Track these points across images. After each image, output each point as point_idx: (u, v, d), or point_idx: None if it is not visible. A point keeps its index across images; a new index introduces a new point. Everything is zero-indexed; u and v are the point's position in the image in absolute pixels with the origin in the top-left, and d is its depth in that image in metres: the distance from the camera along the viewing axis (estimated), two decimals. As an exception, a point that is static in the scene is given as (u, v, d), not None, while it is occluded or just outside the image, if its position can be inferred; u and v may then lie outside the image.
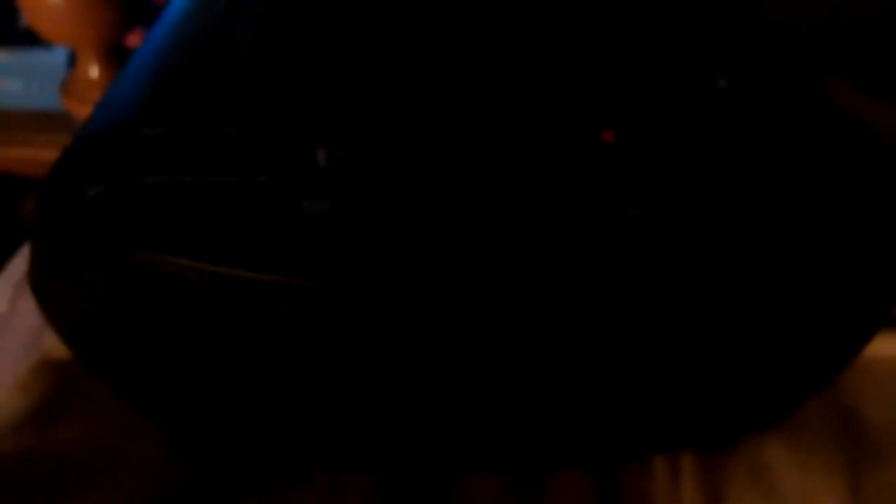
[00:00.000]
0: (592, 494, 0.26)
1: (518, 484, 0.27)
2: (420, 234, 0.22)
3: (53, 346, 0.28)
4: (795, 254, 0.23)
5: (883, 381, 0.27)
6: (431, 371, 0.23)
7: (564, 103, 0.24)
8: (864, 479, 0.26)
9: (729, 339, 0.23)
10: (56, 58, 0.65)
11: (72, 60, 0.67)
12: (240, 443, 0.27)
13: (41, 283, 0.24)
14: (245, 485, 0.26)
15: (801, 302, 0.23)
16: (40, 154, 0.66)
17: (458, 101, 0.24)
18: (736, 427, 0.27)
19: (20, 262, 0.36)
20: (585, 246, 0.22)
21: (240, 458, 0.27)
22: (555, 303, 0.22)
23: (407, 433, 0.25)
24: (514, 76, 0.25)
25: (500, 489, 0.27)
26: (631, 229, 0.22)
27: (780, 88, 0.27)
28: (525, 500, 0.26)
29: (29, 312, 0.33)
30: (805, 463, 0.26)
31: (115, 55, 0.45)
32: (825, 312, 0.24)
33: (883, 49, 0.42)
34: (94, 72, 0.44)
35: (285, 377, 0.24)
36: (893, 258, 0.24)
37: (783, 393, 0.26)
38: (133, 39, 0.47)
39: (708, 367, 0.24)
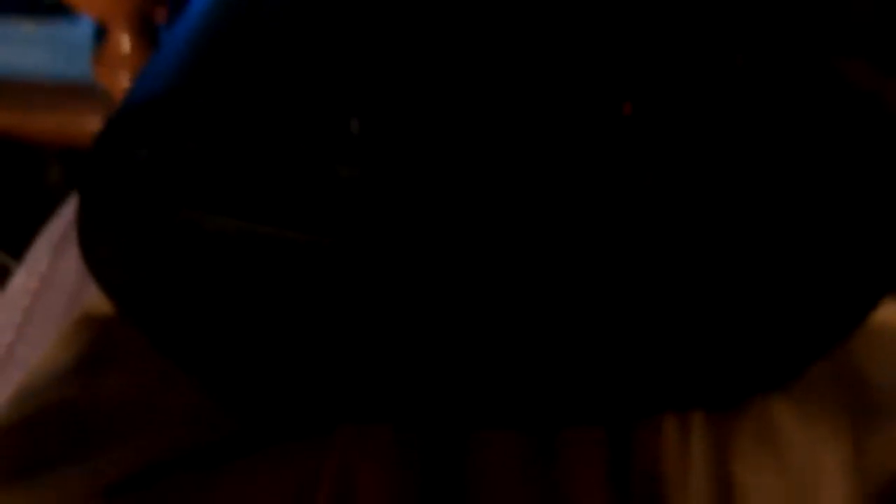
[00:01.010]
0: (605, 451, 0.28)
1: (533, 442, 0.28)
2: (444, 201, 0.23)
3: (94, 302, 0.30)
4: (806, 221, 0.24)
5: (889, 345, 0.28)
6: (452, 325, 0.24)
7: (584, 76, 0.25)
8: (869, 439, 0.26)
9: (740, 301, 0.24)
10: (82, 29, 0.66)
11: (99, 33, 0.68)
12: (269, 395, 0.28)
13: (90, 241, 0.25)
14: (272, 438, 0.28)
15: (810, 268, 0.24)
16: (66, 124, 0.67)
17: (482, 73, 0.25)
18: (745, 388, 0.28)
19: (57, 224, 0.37)
20: (604, 211, 0.23)
21: (269, 412, 0.28)
22: (573, 264, 0.23)
23: (426, 385, 0.26)
24: (536, 51, 0.26)
25: (516, 447, 0.28)
26: (648, 197, 0.23)
27: (795, 66, 0.27)
28: (540, 460, 0.28)
29: (69, 272, 0.34)
30: (811, 423, 0.27)
31: (145, 29, 0.46)
32: (834, 279, 0.25)
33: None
34: (125, 44, 0.45)
35: (315, 329, 0.25)
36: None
37: (791, 355, 0.27)
38: (160, 15, 0.48)
39: (718, 328, 0.25)
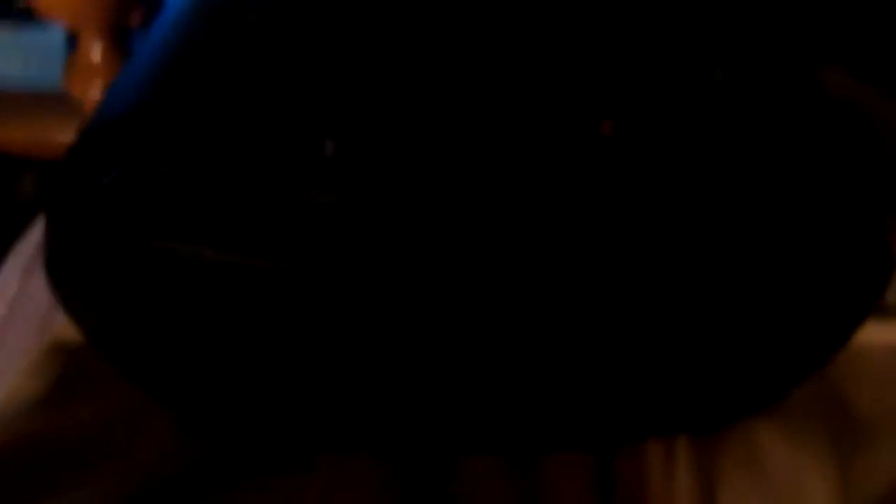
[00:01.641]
0: (589, 477, 0.27)
1: (517, 468, 0.27)
2: (422, 226, 0.22)
3: (64, 328, 0.29)
4: (787, 243, 0.24)
5: (872, 367, 0.28)
6: (431, 352, 0.24)
7: (563, 95, 0.25)
8: (854, 463, 0.26)
9: (722, 326, 0.24)
10: (54, 37, 0.65)
11: (71, 40, 0.67)
12: (246, 426, 0.28)
13: (56, 268, 0.25)
14: (250, 469, 0.27)
15: (792, 290, 0.24)
16: (38, 134, 0.66)
17: (460, 95, 0.24)
18: (729, 412, 0.28)
19: (27, 244, 0.36)
20: (585, 234, 0.23)
21: (245, 441, 0.28)
22: (554, 289, 0.23)
23: (406, 413, 0.26)
24: (514, 71, 0.25)
25: (498, 474, 0.27)
26: (629, 218, 0.23)
27: (775, 79, 0.27)
28: (524, 483, 0.27)
29: (39, 294, 0.33)
30: (796, 447, 0.27)
31: (118, 36, 0.45)
32: (816, 300, 0.25)
33: (882, 38, 0.42)
34: (96, 54, 0.44)
35: (291, 359, 0.24)
36: (883, 247, 0.24)
37: (775, 379, 0.27)
38: (134, 18, 0.47)
39: (701, 353, 0.25)
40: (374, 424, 0.27)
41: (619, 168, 0.23)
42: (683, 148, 0.24)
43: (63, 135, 0.65)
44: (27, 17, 0.65)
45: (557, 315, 0.23)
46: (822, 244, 0.24)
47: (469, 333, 0.23)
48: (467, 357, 0.24)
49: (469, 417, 0.26)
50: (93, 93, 0.45)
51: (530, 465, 0.27)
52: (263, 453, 0.27)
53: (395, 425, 0.26)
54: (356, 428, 0.27)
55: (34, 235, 0.36)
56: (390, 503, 0.26)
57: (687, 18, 0.28)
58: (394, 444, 0.28)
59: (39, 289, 0.33)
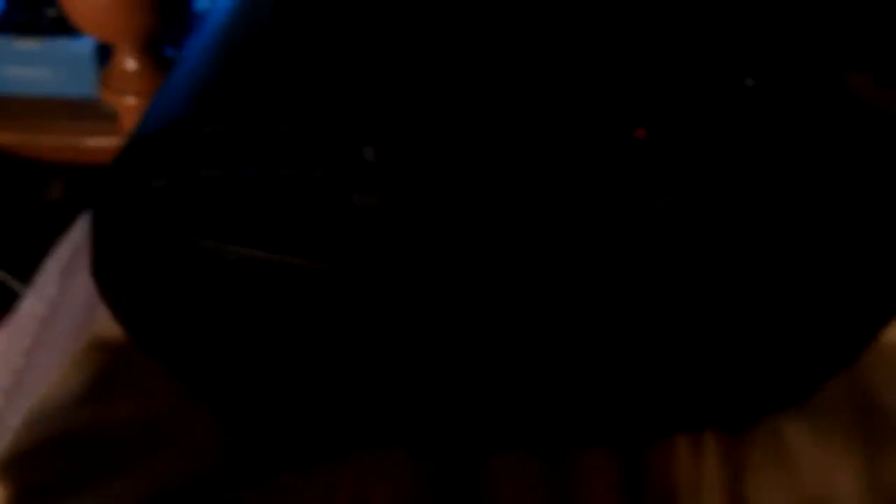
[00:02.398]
0: (617, 473, 0.28)
1: (547, 463, 0.28)
2: (460, 227, 0.23)
3: (104, 327, 0.30)
4: (815, 242, 0.24)
5: (899, 365, 0.28)
6: (467, 350, 0.24)
7: (598, 101, 0.25)
8: (882, 459, 0.27)
9: (751, 323, 0.25)
10: (83, 46, 0.67)
11: (101, 50, 0.68)
12: (284, 421, 0.28)
13: (104, 271, 0.25)
14: (288, 463, 0.28)
15: (820, 288, 0.24)
16: (67, 141, 0.67)
17: (497, 100, 0.25)
18: (757, 408, 0.28)
19: (66, 247, 0.37)
20: (617, 236, 0.23)
21: (284, 436, 0.28)
22: (587, 288, 0.23)
23: (440, 408, 0.26)
24: (549, 75, 0.26)
25: (529, 468, 0.28)
26: (660, 221, 0.23)
27: (805, 85, 0.28)
28: (554, 478, 0.28)
29: (78, 296, 0.34)
30: (824, 443, 0.27)
31: (151, 47, 0.46)
32: (844, 297, 0.25)
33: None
34: (131, 65, 0.45)
35: (330, 356, 0.25)
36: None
37: (803, 375, 0.27)
38: (168, 30, 0.48)
39: (731, 349, 0.25)
40: (407, 418, 0.27)
41: (651, 171, 0.24)
42: (715, 152, 0.24)
43: (92, 141, 0.67)
44: (57, 26, 0.67)
45: (589, 312, 0.24)
46: (850, 244, 0.25)
47: (503, 330, 0.24)
48: (501, 352, 0.25)
49: (500, 412, 0.27)
50: (127, 101, 0.46)
51: (560, 460, 0.28)
52: (300, 449, 0.28)
53: (428, 419, 0.27)
54: (390, 422, 0.27)
55: (73, 237, 0.37)
56: (423, 498, 0.27)
57: (718, 25, 0.29)
58: (426, 438, 0.28)
59: (80, 289, 0.34)
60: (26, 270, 0.42)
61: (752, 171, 0.24)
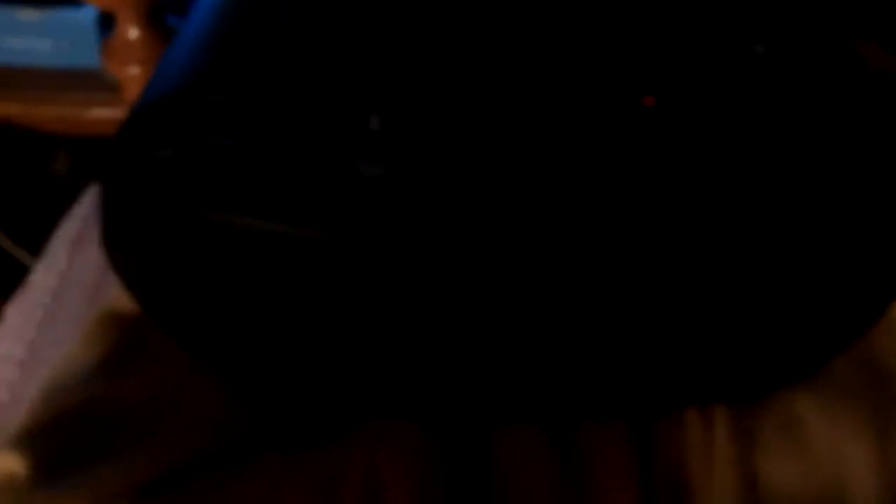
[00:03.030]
0: (628, 447, 0.28)
1: (557, 441, 0.28)
2: (466, 196, 0.23)
3: (117, 299, 0.30)
4: (825, 215, 0.24)
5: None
6: (475, 321, 0.24)
7: (605, 68, 0.25)
8: (891, 431, 0.27)
9: (760, 296, 0.25)
10: (84, 16, 0.66)
11: (104, 20, 0.67)
12: (295, 393, 0.28)
13: (113, 239, 0.25)
14: (296, 437, 0.28)
15: (830, 262, 0.24)
16: (70, 112, 0.67)
17: (504, 69, 0.25)
18: (767, 381, 0.28)
19: (74, 219, 0.37)
20: (626, 205, 0.23)
21: (293, 408, 0.28)
22: (594, 259, 0.23)
23: (450, 381, 0.26)
24: (556, 42, 0.26)
25: (540, 445, 0.28)
26: (669, 190, 0.23)
27: (814, 52, 0.27)
28: (564, 453, 0.28)
29: (88, 269, 0.34)
30: (834, 416, 0.27)
31: (153, 16, 0.45)
32: (853, 271, 0.25)
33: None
34: (133, 34, 0.45)
35: (339, 327, 0.25)
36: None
37: (812, 349, 0.27)
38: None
39: (739, 323, 0.25)
40: (417, 391, 0.27)
41: (660, 141, 0.24)
42: (724, 122, 0.24)
43: (95, 112, 0.66)
44: (57, -3, 0.66)
45: (598, 284, 0.24)
46: (860, 217, 0.24)
47: (512, 302, 0.24)
48: (509, 325, 0.25)
49: (510, 385, 0.27)
50: (130, 71, 0.46)
51: (570, 436, 0.28)
52: (310, 422, 0.28)
53: (437, 392, 0.27)
54: (400, 395, 0.28)
55: (81, 210, 0.37)
56: (434, 475, 0.27)
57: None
58: (436, 411, 0.28)
59: (89, 261, 0.35)
60: (34, 243, 0.42)
61: (762, 141, 0.24)
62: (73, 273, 0.34)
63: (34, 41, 0.68)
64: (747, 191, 0.24)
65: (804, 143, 0.24)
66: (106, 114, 0.65)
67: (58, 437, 0.27)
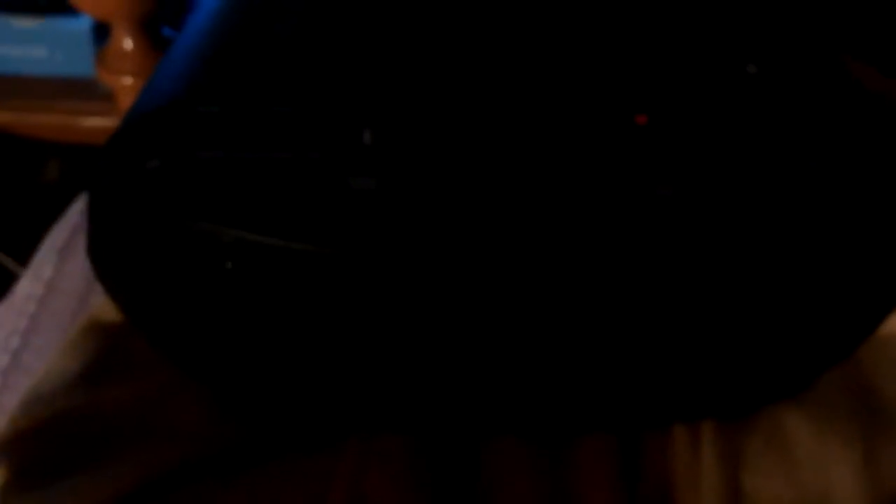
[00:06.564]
0: (615, 459, 0.28)
1: (545, 453, 0.28)
2: (458, 211, 0.23)
3: (101, 308, 0.29)
4: (816, 233, 0.24)
5: (898, 356, 0.28)
6: (465, 335, 0.24)
7: (598, 86, 0.25)
8: (879, 451, 0.27)
9: (749, 312, 0.25)
10: (80, 24, 0.66)
11: (99, 29, 0.67)
12: (281, 405, 0.28)
13: (99, 250, 0.25)
14: (282, 450, 0.28)
15: (820, 278, 0.24)
16: (64, 120, 0.67)
17: (495, 85, 0.25)
18: (755, 397, 0.28)
19: (63, 228, 0.37)
20: (617, 223, 0.23)
21: (280, 420, 0.28)
22: (585, 274, 0.23)
23: (438, 394, 0.26)
24: (549, 60, 0.26)
25: (528, 458, 0.28)
26: (660, 208, 0.23)
27: (807, 73, 0.27)
28: (551, 467, 0.28)
29: (74, 277, 0.34)
30: (821, 433, 0.27)
31: (148, 26, 0.45)
32: (843, 288, 0.25)
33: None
34: (128, 44, 0.45)
35: (327, 340, 0.25)
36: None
37: (801, 366, 0.27)
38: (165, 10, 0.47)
39: (728, 339, 0.25)
40: (404, 404, 0.27)
41: (652, 159, 0.24)
42: (717, 140, 0.24)
43: (88, 120, 0.66)
44: (55, 5, 0.66)
45: (587, 299, 0.24)
46: (851, 234, 0.24)
47: (501, 315, 0.24)
48: (498, 339, 0.24)
49: (498, 398, 0.27)
50: (123, 81, 0.46)
51: (558, 450, 0.28)
52: (296, 435, 0.28)
53: (424, 404, 0.27)
54: (387, 407, 0.27)
55: (70, 219, 0.37)
56: (421, 487, 0.27)
57: (721, 12, 0.29)
58: (423, 424, 0.28)
59: (76, 270, 0.34)
60: (23, 251, 0.41)
61: (754, 160, 0.24)
62: (59, 282, 0.34)
63: (30, 49, 0.68)
64: (739, 209, 0.24)
65: (796, 162, 0.24)
66: (100, 123, 0.65)
67: (38, 446, 0.27)
